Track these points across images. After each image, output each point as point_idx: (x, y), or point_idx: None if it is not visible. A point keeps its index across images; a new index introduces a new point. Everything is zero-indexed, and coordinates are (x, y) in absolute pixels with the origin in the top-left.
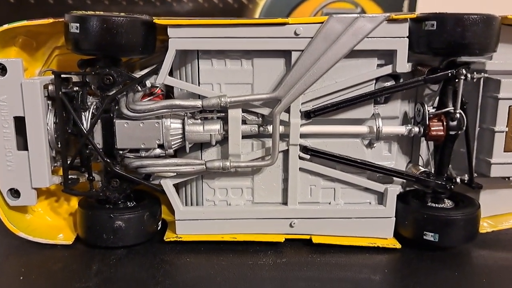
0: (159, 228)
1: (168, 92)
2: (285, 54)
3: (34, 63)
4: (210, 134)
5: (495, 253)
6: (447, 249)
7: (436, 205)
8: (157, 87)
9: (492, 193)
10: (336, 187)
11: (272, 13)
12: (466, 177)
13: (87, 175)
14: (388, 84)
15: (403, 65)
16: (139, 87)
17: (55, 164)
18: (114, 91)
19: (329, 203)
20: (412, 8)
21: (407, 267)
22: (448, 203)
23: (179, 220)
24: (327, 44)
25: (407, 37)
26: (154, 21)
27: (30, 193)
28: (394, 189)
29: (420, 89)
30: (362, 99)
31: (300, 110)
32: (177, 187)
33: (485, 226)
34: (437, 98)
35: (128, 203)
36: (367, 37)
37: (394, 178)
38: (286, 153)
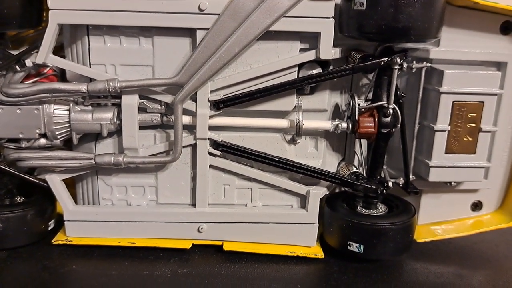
0: (50, 228)
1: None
2: (191, 32)
3: None
4: (101, 124)
5: (430, 266)
6: (376, 261)
7: (366, 211)
8: (48, 66)
9: (436, 197)
10: (254, 188)
11: None
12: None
13: None
14: (314, 72)
15: (327, 51)
16: (17, 67)
17: None
18: None
19: (246, 205)
20: None
21: (326, 281)
22: (381, 209)
23: (68, 221)
24: (236, 22)
25: (332, 17)
26: None
27: None
28: (317, 192)
29: (355, 78)
30: (280, 89)
31: (208, 99)
32: (74, 182)
33: (426, 235)
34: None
35: (17, 199)
36: (286, 16)
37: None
38: (194, 147)
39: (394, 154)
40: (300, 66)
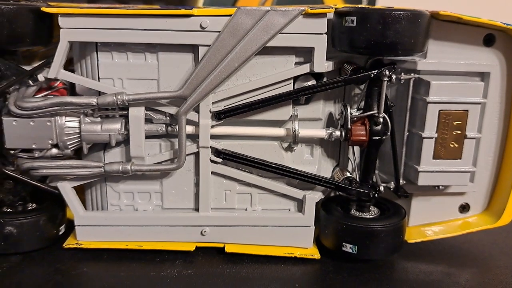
0: (61, 232)
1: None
2: (194, 48)
3: None
4: (109, 134)
5: (420, 265)
6: (369, 261)
7: (359, 213)
8: (58, 80)
9: (426, 200)
10: (253, 193)
11: (217, 1)
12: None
13: None
14: (308, 83)
15: (321, 65)
16: (30, 82)
17: None
18: (1, 85)
19: (246, 210)
20: (372, 0)
21: (321, 280)
22: (373, 212)
23: (79, 225)
24: (235, 39)
25: (325, 33)
26: (42, 9)
27: None
28: (313, 197)
29: (348, 89)
30: (276, 100)
31: (210, 110)
32: (83, 189)
33: (416, 236)
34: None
35: (29, 206)
36: (282, 33)
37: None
38: (197, 155)
39: (385, 160)
40: (296, 78)
